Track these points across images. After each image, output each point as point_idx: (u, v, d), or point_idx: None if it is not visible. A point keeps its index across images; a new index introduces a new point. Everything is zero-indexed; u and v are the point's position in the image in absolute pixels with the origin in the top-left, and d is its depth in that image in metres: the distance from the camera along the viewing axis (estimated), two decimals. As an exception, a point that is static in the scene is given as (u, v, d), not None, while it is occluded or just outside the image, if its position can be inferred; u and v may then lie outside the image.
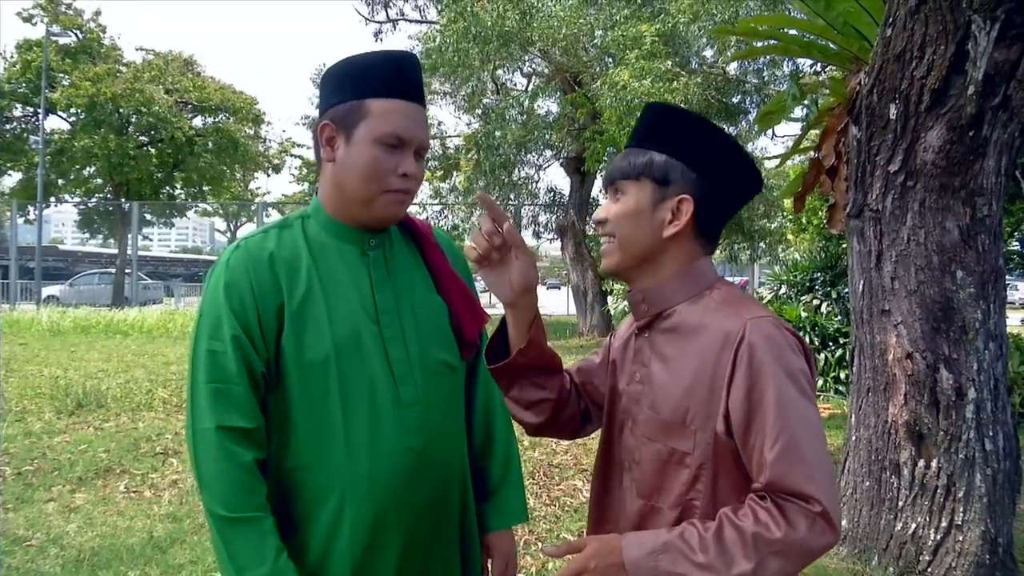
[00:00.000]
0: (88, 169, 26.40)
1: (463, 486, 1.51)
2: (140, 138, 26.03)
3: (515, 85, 17.04)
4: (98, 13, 25.83)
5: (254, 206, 30.28)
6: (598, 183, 17.03)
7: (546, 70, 15.21)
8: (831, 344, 8.42)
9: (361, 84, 1.38)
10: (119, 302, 22.45)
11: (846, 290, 8.70)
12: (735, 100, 14.04)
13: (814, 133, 5.05)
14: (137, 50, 38.27)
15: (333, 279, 1.41)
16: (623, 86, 10.49)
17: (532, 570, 3.60)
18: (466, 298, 1.54)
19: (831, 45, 4.04)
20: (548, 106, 16.50)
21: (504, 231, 1.27)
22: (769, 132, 15.35)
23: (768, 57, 12.10)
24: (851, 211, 3.65)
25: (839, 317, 8.65)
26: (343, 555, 1.35)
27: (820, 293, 9.11)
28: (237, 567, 1.27)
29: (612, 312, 14.60)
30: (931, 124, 3.21)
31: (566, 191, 16.83)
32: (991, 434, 3.32)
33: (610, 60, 12.79)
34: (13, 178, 27.61)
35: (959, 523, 3.31)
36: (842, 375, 8.22)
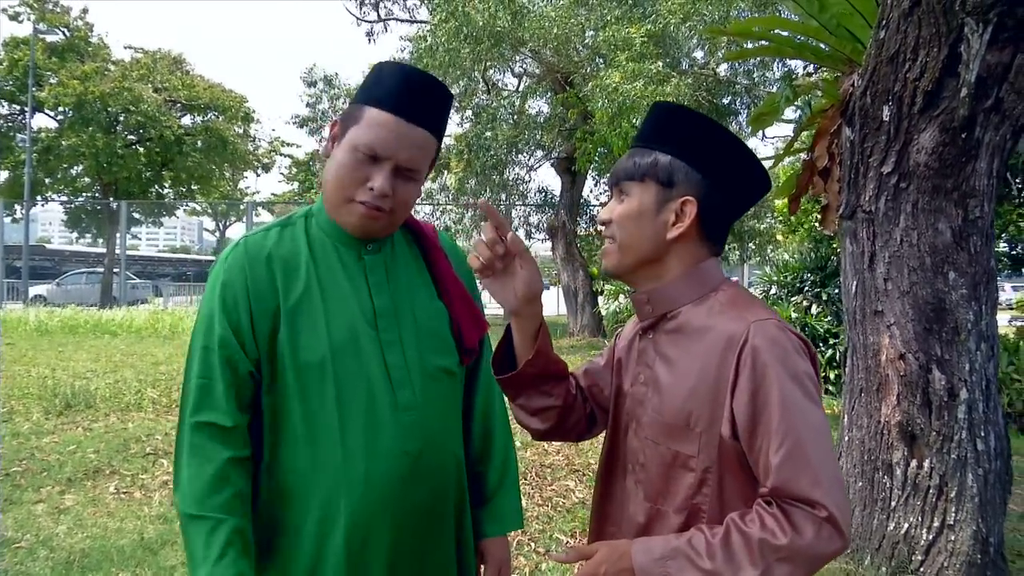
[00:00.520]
0: (76, 168, 26.22)
1: (460, 491, 1.50)
2: (128, 137, 25.84)
3: (506, 85, 17.04)
4: (85, 11, 25.67)
5: (243, 205, 30.14)
6: (589, 183, 17.08)
7: (537, 70, 15.21)
8: (821, 345, 8.45)
9: (370, 90, 1.39)
10: (107, 302, 22.33)
11: (836, 291, 8.74)
12: (725, 101, 14.08)
13: (806, 135, 5.07)
14: (125, 48, 38.13)
15: (332, 281, 1.41)
16: (614, 88, 10.51)
17: (526, 571, 3.60)
18: (467, 304, 1.53)
19: (824, 47, 4.05)
20: (539, 106, 16.54)
21: (508, 240, 1.26)
22: (759, 133, 15.41)
23: (758, 58, 12.15)
24: (844, 212, 3.66)
25: (829, 318, 8.68)
26: (337, 557, 1.35)
27: (810, 294, 9.13)
28: (192, 563, 1.29)
29: (603, 313, 14.63)
30: (924, 126, 3.23)
31: (557, 191, 16.85)
32: (983, 434, 3.33)
33: (601, 61, 12.80)
34: (0, 176, 27.42)
35: (951, 523, 3.32)
36: (832, 375, 8.25)
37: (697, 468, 1.21)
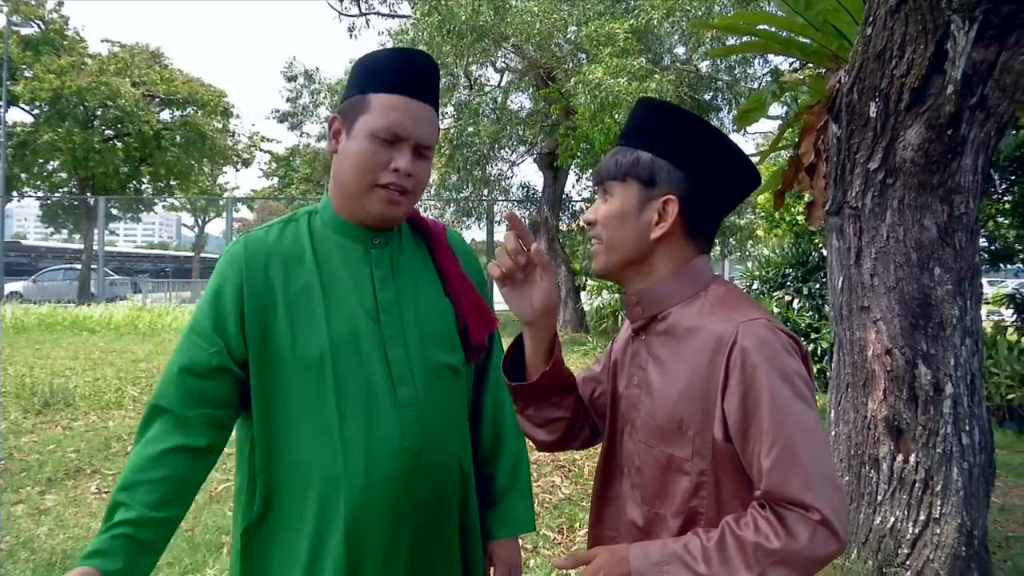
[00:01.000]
0: (52, 163, 25.87)
1: (463, 489, 1.49)
2: (106, 132, 25.50)
3: (488, 80, 17.00)
4: (60, 4, 25.30)
5: (223, 201, 29.91)
6: (571, 179, 17.08)
7: (520, 65, 15.19)
8: (803, 339, 8.51)
9: (368, 79, 1.39)
10: (85, 298, 22.06)
11: (817, 286, 8.80)
12: (707, 97, 14.14)
13: (790, 131, 5.09)
14: (102, 42, 37.58)
15: (334, 276, 1.40)
16: (597, 83, 10.51)
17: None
18: (475, 302, 1.52)
19: (810, 43, 4.06)
20: (521, 101, 16.52)
21: (531, 252, 1.24)
22: (742, 129, 15.48)
23: (740, 55, 12.20)
24: (830, 208, 3.67)
25: (811, 313, 8.74)
26: (337, 552, 1.34)
27: (792, 289, 9.19)
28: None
29: (586, 308, 14.65)
30: (910, 122, 3.25)
31: (539, 187, 16.84)
32: (967, 428, 3.37)
33: (583, 56, 12.80)
34: (-27, 172, 26.99)
35: (936, 516, 3.35)
36: (815, 369, 8.32)
37: (692, 471, 1.19)
